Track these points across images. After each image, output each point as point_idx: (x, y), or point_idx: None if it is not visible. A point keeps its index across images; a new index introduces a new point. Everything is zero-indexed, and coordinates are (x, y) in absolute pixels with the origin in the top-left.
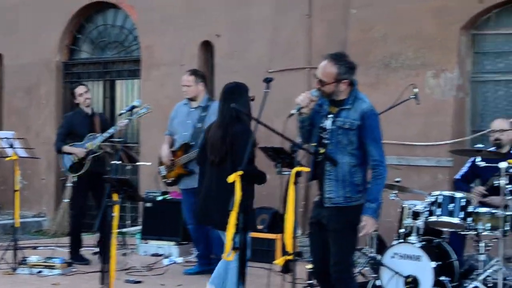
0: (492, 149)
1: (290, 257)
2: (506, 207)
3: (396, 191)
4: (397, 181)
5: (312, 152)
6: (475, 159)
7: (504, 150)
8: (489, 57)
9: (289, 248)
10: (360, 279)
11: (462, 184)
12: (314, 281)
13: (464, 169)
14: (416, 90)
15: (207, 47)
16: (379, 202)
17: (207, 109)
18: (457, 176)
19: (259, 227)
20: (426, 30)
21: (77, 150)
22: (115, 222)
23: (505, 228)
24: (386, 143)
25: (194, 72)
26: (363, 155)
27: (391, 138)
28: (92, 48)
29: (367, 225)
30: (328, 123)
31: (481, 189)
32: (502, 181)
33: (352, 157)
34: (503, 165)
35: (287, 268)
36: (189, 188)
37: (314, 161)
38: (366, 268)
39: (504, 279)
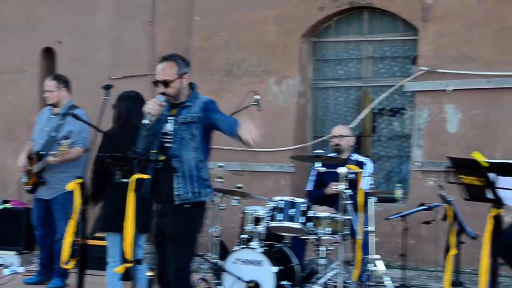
0: (332, 154)
1: (130, 265)
2: (345, 211)
3: (238, 197)
4: (239, 187)
5: (152, 160)
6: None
7: (344, 155)
8: (330, 64)
9: (129, 256)
10: (202, 285)
11: (316, 193)
12: None
13: (312, 178)
14: (257, 96)
15: (49, 53)
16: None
17: (65, 117)
18: (309, 188)
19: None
20: (268, 38)
21: None
22: None
23: (345, 232)
24: (230, 149)
25: (56, 77)
26: (207, 149)
27: (234, 144)
28: None
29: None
30: (169, 126)
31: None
32: (341, 186)
33: (197, 151)
34: (342, 170)
35: (127, 275)
36: (41, 198)
37: (154, 169)
38: (209, 274)
39: (344, 282)
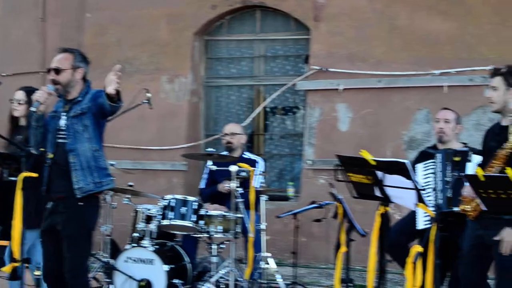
0: (224, 153)
1: (17, 264)
2: (237, 209)
3: (130, 196)
4: (130, 185)
5: (40, 157)
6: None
7: (236, 154)
8: (222, 62)
9: (16, 255)
10: (94, 284)
11: (208, 191)
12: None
13: (205, 176)
14: (149, 95)
15: None
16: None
17: None
18: (202, 186)
19: None
20: (160, 36)
21: None
22: None
23: (236, 230)
24: (121, 147)
25: None
26: (101, 139)
27: (126, 142)
28: None
29: None
30: (62, 122)
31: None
32: (233, 184)
33: (91, 141)
34: (233, 168)
35: (15, 274)
36: None
37: (47, 167)
38: (100, 273)
39: (236, 280)
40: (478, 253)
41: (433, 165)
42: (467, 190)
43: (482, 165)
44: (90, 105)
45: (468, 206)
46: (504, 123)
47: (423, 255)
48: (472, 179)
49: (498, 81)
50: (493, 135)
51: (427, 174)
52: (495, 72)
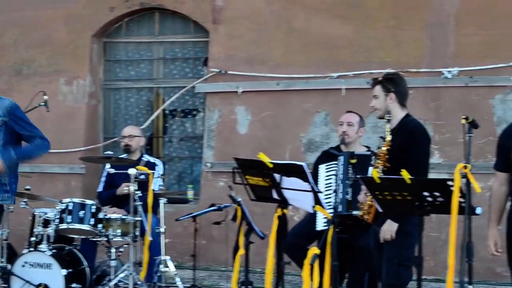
0: (123, 156)
1: None
2: (135, 212)
3: (26, 199)
4: (27, 189)
5: None
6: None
7: (135, 156)
8: (121, 65)
9: None
10: None
11: (107, 194)
12: None
13: (103, 179)
14: (45, 97)
15: None
16: (17, 158)
17: None
18: (100, 189)
19: None
20: (58, 37)
21: None
22: None
23: (135, 234)
24: None
25: None
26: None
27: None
28: None
29: None
30: None
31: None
32: (132, 187)
33: None
34: (132, 171)
35: None
36: None
37: None
38: None
39: (135, 283)
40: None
41: (335, 167)
42: (362, 195)
43: None
44: (8, 119)
45: (367, 213)
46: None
47: (321, 257)
48: (368, 181)
49: (378, 89)
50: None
51: (329, 175)
52: (374, 82)
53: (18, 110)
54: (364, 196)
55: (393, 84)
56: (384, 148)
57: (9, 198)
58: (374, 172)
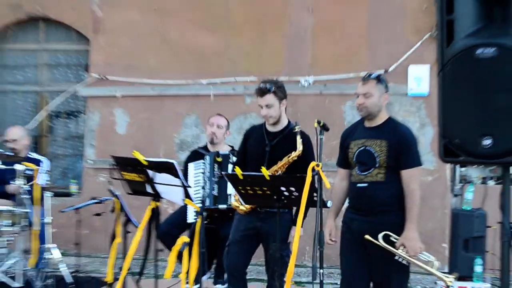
0: (11, 153)
1: None
2: (23, 205)
3: None
4: None
5: None
6: None
7: (22, 154)
8: (8, 70)
9: None
10: None
11: None
12: None
13: None
14: None
15: None
16: None
17: None
18: None
19: None
20: None
21: None
22: None
23: (23, 224)
24: None
25: None
26: None
27: None
28: None
29: None
30: None
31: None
32: (19, 182)
33: None
34: (20, 167)
35: None
36: None
37: None
38: None
39: (24, 269)
40: (247, 242)
41: (203, 165)
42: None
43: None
44: None
45: (239, 205)
46: (273, 129)
47: (191, 245)
48: (232, 177)
49: (270, 98)
50: (260, 140)
51: (197, 173)
52: (264, 91)
53: None
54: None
55: (284, 91)
56: (295, 154)
57: None
58: (237, 170)
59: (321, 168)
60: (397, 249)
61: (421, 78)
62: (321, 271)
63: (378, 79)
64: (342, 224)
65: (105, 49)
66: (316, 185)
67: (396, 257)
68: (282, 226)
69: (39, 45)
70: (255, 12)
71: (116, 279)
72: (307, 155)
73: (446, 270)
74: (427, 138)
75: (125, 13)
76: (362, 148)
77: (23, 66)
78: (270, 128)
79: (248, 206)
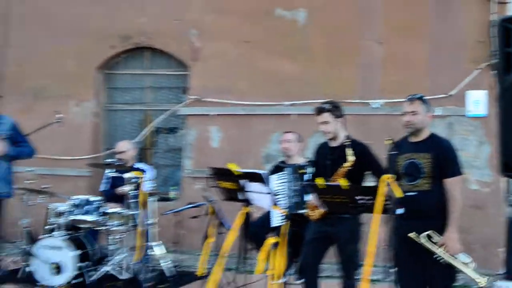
0: (121, 163)
1: None
2: (131, 207)
3: (44, 195)
4: (46, 187)
5: None
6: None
7: (129, 164)
8: (119, 91)
9: None
10: (13, 266)
11: (108, 193)
12: None
13: (105, 181)
14: (59, 115)
15: None
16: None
17: None
18: (102, 189)
19: None
20: (69, 68)
21: None
22: None
23: (131, 224)
24: (41, 157)
25: None
26: None
27: (42, 153)
28: None
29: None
30: None
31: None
32: (127, 188)
33: None
34: (128, 175)
35: None
36: None
37: None
38: (19, 258)
39: (129, 263)
40: (319, 244)
41: (284, 176)
42: (310, 198)
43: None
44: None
45: (312, 212)
46: (333, 144)
47: (277, 245)
48: (315, 187)
49: (327, 116)
50: (325, 154)
51: (280, 183)
52: (321, 110)
53: (18, 125)
54: (314, 199)
55: (340, 110)
56: (347, 165)
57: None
58: (318, 180)
59: (393, 180)
60: (438, 248)
61: (479, 101)
62: (392, 270)
63: (422, 99)
64: (391, 230)
65: (201, 75)
66: (388, 195)
67: (435, 256)
68: (352, 231)
69: (145, 71)
70: (331, 43)
71: (208, 274)
72: (368, 163)
73: (501, 272)
74: (484, 154)
75: (219, 44)
76: (409, 161)
77: (131, 89)
78: (331, 143)
79: (318, 214)
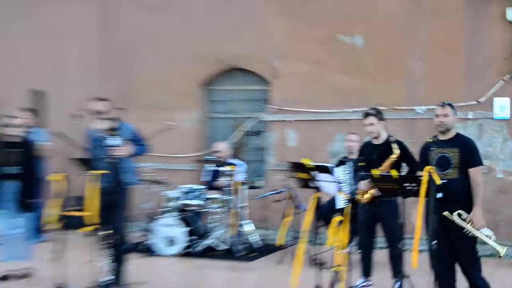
0: (215, 158)
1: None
2: (227, 194)
3: (159, 185)
4: (162, 179)
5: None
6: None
7: (225, 160)
8: (218, 103)
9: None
10: (135, 240)
11: (209, 183)
12: None
13: (205, 173)
14: (172, 123)
15: None
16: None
17: None
18: (203, 179)
19: None
20: (178, 85)
21: None
22: None
23: (228, 207)
24: (157, 155)
25: None
26: None
27: (158, 152)
28: None
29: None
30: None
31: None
32: (224, 179)
33: None
34: (224, 168)
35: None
36: None
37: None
38: (141, 234)
39: (226, 238)
40: (370, 222)
41: (347, 169)
42: (361, 185)
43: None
44: (131, 137)
45: (361, 197)
46: (376, 142)
47: (341, 223)
48: (371, 176)
49: (373, 119)
50: (370, 151)
51: (343, 174)
52: (368, 114)
53: (135, 129)
54: (365, 184)
55: (382, 115)
56: (394, 157)
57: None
58: (373, 171)
59: (434, 170)
60: (466, 224)
61: (504, 107)
62: (434, 242)
63: (451, 105)
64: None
65: (280, 89)
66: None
67: (465, 230)
68: (393, 211)
69: (236, 86)
70: (383, 61)
71: (285, 244)
72: (405, 156)
73: None
74: (508, 149)
75: (294, 63)
76: (440, 154)
77: (225, 101)
78: (375, 142)
79: (366, 198)
